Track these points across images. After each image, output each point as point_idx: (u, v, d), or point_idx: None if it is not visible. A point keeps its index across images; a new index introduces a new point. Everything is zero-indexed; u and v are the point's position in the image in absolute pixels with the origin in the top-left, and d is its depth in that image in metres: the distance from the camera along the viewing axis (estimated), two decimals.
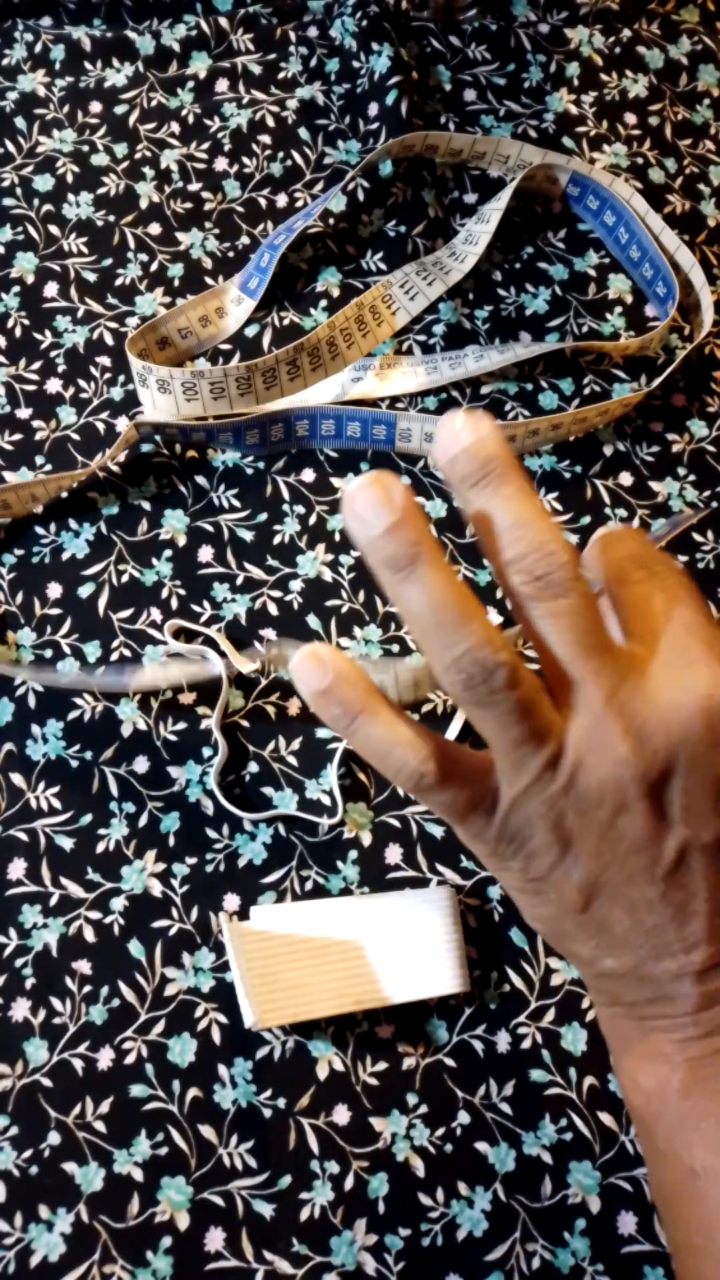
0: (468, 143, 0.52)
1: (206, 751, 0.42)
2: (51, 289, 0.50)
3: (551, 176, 0.53)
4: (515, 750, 0.27)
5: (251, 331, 0.50)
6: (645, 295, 0.52)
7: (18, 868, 0.40)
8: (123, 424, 0.47)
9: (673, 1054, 0.28)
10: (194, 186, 0.52)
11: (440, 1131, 0.38)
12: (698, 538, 0.47)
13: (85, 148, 0.53)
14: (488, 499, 0.26)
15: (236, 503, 0.46)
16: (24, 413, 0.47)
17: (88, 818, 0.41)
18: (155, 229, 0.51)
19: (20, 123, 0.53)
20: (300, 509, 0.46)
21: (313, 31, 0.56)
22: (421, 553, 0.25)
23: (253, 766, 0.42)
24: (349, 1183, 0.37)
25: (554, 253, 0.52)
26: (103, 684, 0.42)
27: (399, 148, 0.51)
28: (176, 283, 0.50)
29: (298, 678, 0.28)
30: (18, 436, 0.47)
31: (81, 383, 0.48)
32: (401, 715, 0.28)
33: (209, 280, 0.50)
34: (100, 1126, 0.37)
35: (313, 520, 0.46)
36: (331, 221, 0.52)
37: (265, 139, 0.54)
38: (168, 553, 0.45)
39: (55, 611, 0.44)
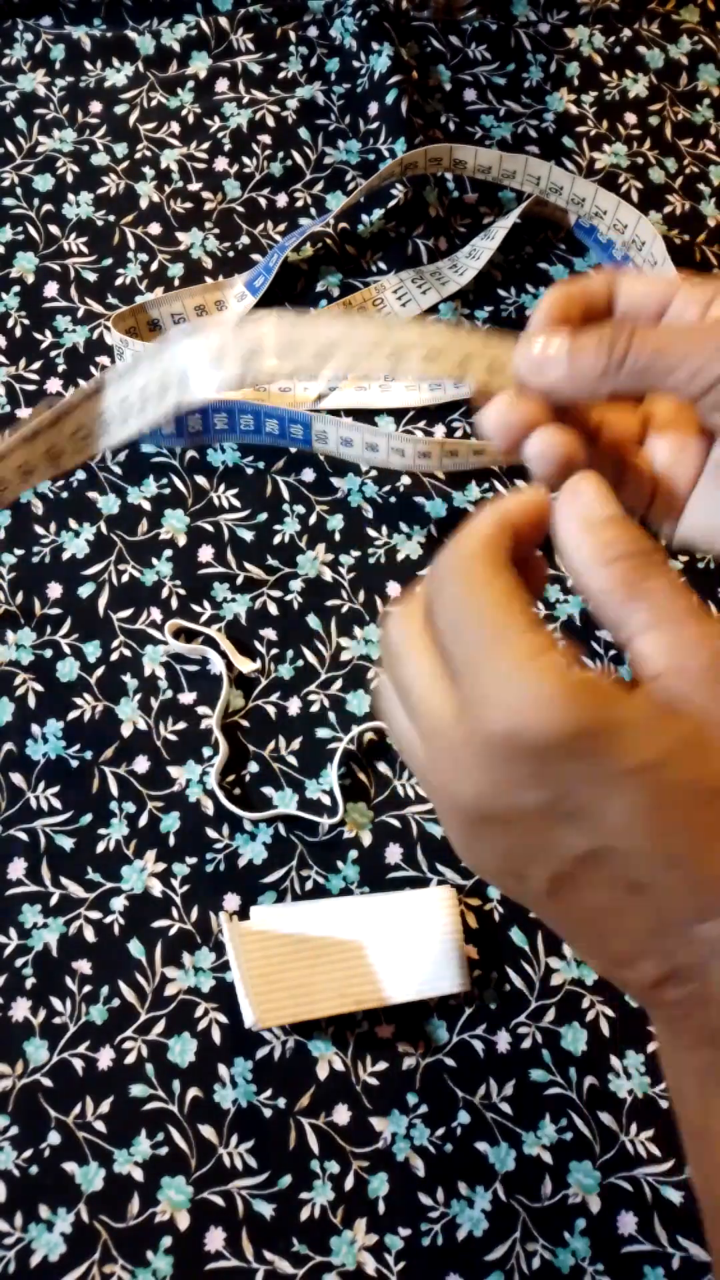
0: (495, 159, 0.50)
1: (207, 751, 0.42)
2: (51, 289, 0.50)
3: (563, 207, 0.52)
4: None
5: None
6: None
7: (18, 868, 0.40)
8: None
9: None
10: (194, 186, 0.52)
11: (440, 1131, 0.38)
12: None
13: (85, 147, 0.53)
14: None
15: (236, 503, 0.46)
16: (24, 413, 0.47)
17: (88, 817, 0.41)
18: (155, 229, 0.51)
19: (20, 122, 0.53)
20: (300, 509, 0.46)
21: (313, 31, 0.56)
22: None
23: (253, 766, 0.42)
24: (349, 1182, 0.37)
25: (555, 253, 0.52)
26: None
27: (425, 160, 0.50)
28: (176, 282, 0.50)
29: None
30: None
31: (81, 382, 0.48)
32: None
33: (209, 280, 0.50)
34: (100, 1126, 0.37)
35: (313, 520, 0.46)
36: (332, 222, 0.52)
37: (265, 139, 0.54)
38: (168, 553, 0.45)
39: (55, 611, 0.44)
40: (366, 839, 0.41)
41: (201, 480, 0.47)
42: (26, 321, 0.49)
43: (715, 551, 0.38)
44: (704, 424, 0.29)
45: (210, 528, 0.46)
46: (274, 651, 0.44)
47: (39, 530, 0.45)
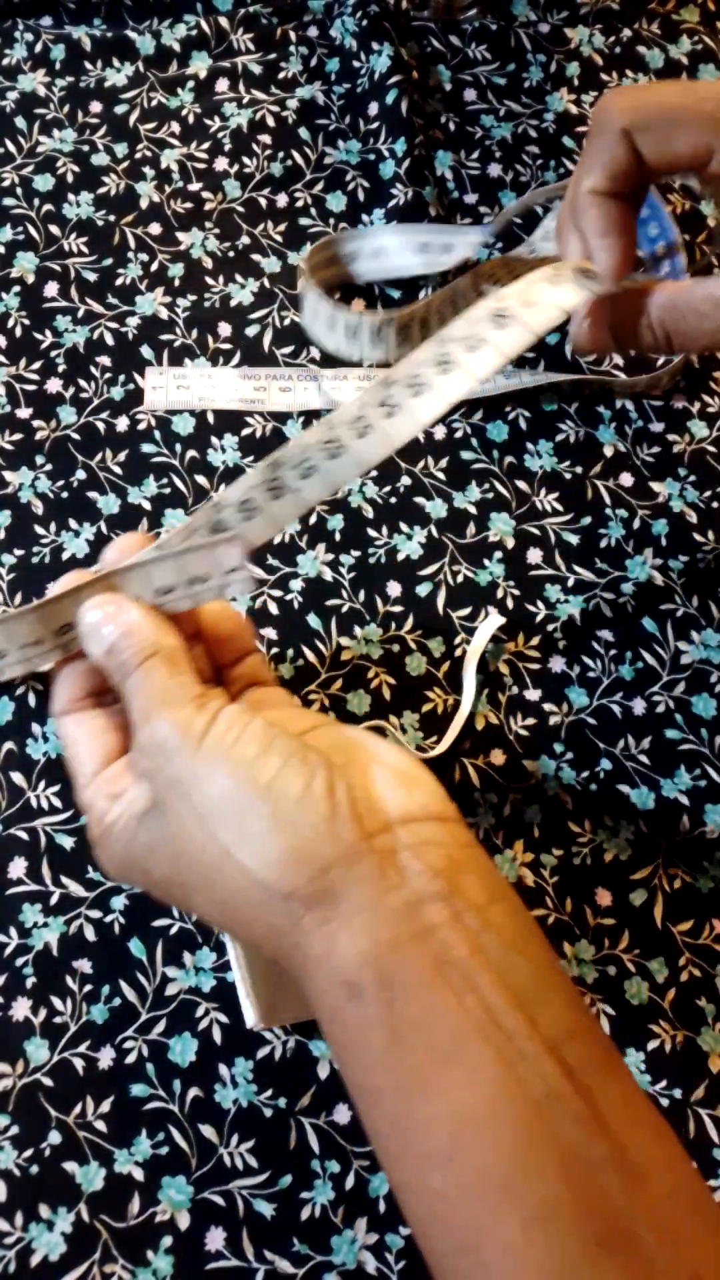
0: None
1: None
2: (52, 289, 0.50)
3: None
4: None
5: (252, 331, 0.50)
6: None
7: (18, 866, 0.40)
8: (123, 424, 0.47)
9: None
10: (194, 186, 0.52)
11: None
12: (698, 538, 0.47)
13: (85, 147, 0.53)
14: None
15: None
16: (24, 412, 0.47)
17: None
18: (155, 229, 0.51)
19: (20, 122, 0.53)
20: None
21: (313, 31, 0.56)
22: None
23: None
24: (350, 1182, 0.37)
25: None
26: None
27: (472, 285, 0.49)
28: (177, 282, 0.50)
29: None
30: (18, 436, 0.47)
31: (82, 382, 0.48)
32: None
33: (209, 280, 0.51)
34: (101, 1126, 0.37)
35: (313, 520, 0.46)
36: (332, 222, 0.52)
37: (265, 139, 0.54)
38: None
39: None
40: None
41: (201, 480, 0.47)
42: (27, 321, 0.49)
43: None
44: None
45: None
46: (274, 651, 0.44)
47: (39, 530, 0.45)
